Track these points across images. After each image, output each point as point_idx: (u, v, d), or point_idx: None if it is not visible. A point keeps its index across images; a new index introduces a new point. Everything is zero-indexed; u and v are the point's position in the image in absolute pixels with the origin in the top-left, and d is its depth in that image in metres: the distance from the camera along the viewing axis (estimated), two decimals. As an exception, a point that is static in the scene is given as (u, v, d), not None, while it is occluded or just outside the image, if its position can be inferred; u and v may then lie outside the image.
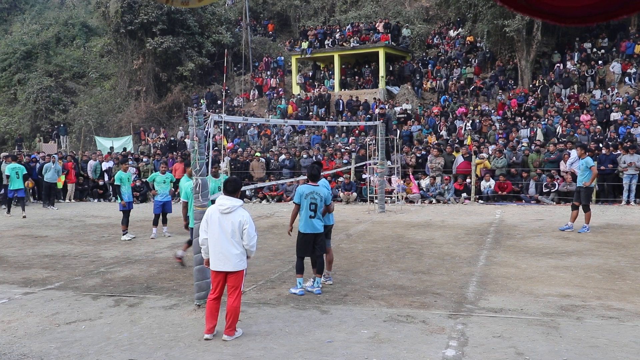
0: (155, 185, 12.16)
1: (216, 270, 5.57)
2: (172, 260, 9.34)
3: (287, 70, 32.18)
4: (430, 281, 7.70)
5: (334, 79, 29.26)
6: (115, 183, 11.91)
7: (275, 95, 29.59)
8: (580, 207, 11.47)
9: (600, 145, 17.39)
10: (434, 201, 16.81)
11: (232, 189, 5.69)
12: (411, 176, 17.48)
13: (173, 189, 13.09)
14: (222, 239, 5.50)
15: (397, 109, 24.74)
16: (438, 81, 26.55)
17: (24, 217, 15.33)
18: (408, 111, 24.78)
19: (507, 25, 23.61)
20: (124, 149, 25.16)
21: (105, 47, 35.24)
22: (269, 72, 32.21)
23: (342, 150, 19.79)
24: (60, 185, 19.03)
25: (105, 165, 20.24)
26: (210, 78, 33.22)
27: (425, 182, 17.38)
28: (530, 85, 24.67)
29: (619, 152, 15.80)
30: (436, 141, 20.62)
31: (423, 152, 18.58)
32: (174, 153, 21.89)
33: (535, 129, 20.18)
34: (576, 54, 25.11)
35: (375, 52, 28.26)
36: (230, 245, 5.48)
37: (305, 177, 11.09)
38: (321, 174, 7.64)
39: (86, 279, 8.36)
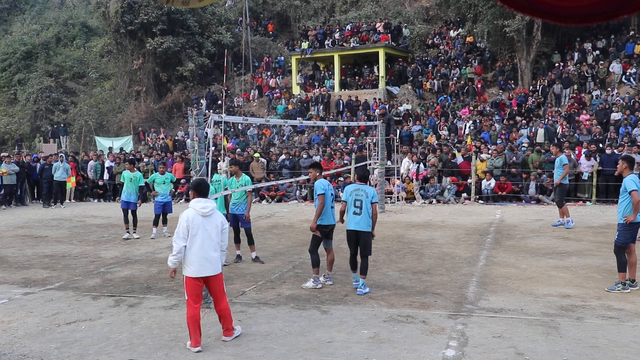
0: (155, 186, 12.16)
1: (198, 277, 5.33)
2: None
3: (287, 70, 32.17)
4: (430, 281, 7.70)
5: (334, 79, 29.25)
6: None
7: (275, 95, 29.56)
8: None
9: (601, 145, 17.37)
10: (434, 201, 16.81)
11: (205, 190, 5.62)
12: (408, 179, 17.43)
13: (173, 189, 13.07)
14: (205, 244, 5.30)
15: (399, 109, 24.69)
16: (438, 81, 26.53)
17: None
18: (408, 111, 24.73)
19: (507, 25, 23.59)
20: (121, 149, 25.10)
21: (105, 47, 35.22)
22: (269, 73, 32.20)
23: (342, 150, 19.77)
24: (70, 186, 19.07)
25: (105, 164, 20.26)
26: (210, 78, 33.20)
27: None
28: (531, 87, 24.65)
29: (621, 152, 15.78)
30: (436, 141, 20.61)
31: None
32: (174, 153, 21.87)
33: (535, 129, 20.17)
34: (576, 54, 25.10)
35: (375, 52, 28.24)
36: (211, 249, 5.36)
37: (305, 178, 11.14)
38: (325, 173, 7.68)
39: (86, 279, 8.36)
